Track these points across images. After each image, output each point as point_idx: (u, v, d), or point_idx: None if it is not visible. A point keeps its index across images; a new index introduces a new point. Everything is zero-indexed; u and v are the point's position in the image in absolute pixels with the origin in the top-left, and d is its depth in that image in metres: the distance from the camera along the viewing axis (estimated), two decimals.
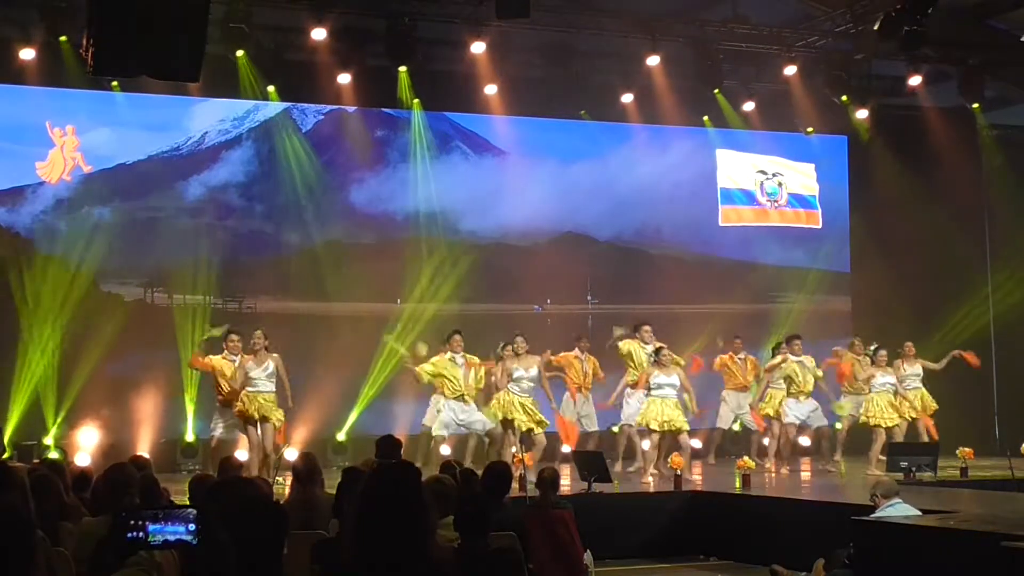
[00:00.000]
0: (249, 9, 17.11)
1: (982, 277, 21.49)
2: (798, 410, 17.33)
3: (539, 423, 15.60)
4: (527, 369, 15.68)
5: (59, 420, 16.90)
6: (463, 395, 16.20)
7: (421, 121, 19.56)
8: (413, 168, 19.64)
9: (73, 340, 17.24)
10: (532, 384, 15.68)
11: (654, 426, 15.77)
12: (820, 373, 17.44)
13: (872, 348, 17.45)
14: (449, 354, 16.32)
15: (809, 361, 17.42)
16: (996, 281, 21.45)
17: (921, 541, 9.45)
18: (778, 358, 17.20)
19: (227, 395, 15.48)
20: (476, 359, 16.56)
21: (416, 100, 19.14)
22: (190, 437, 17.67)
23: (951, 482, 15.30)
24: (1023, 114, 21.98)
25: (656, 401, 15.84)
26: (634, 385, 16.77)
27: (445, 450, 15.84)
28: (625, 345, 17.32)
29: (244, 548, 3.98)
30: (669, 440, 15.92)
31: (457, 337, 16.39)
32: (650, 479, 15.76)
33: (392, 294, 19.19)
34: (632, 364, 17.14)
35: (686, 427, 15.91)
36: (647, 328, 17.38)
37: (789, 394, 17.33)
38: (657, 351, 16.36)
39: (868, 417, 17.03)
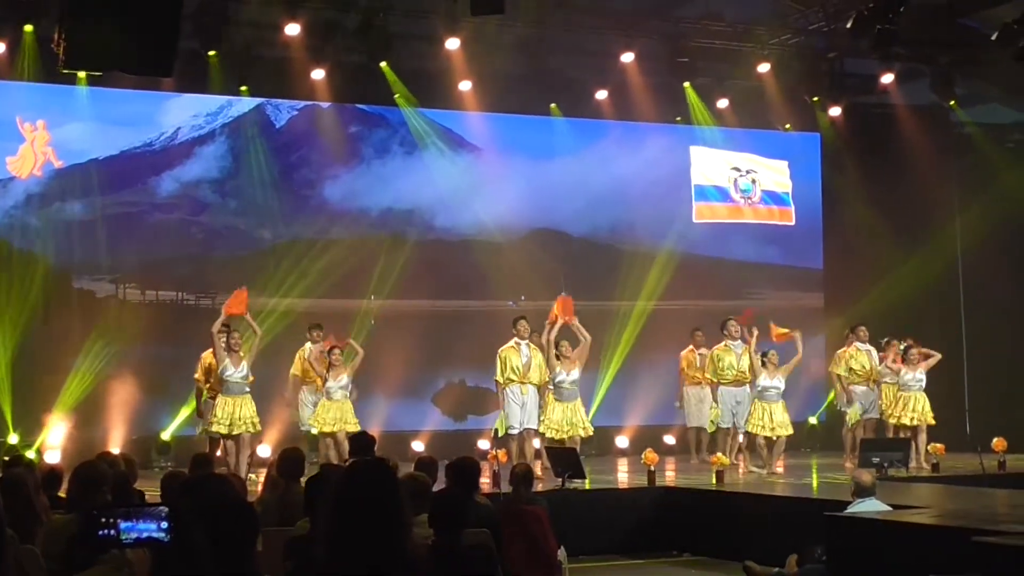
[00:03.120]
0: (223, 4, 17.05)
1: (954, 274, 21.60)
2: (864, 398, 17.40)
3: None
4: (336, 378, 15.86)
5: (27, 417, 16.79)
6: (526, 380, 16.04)
7: (412, 118, 19.55)
8: (387, 164, 19.63)
9: (44, 336, 17.15)
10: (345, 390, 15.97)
11: (766, 432, 16.32)
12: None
13: (904, 346, 17.43)
14: (514, 340, 16.20)
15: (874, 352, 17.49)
16: (967, 278, 21.56)
17: (893, 536, 9.49)
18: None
19: (213, 389, 15.58)
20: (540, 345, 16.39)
21: (399, 96, 19.10)
22: (167, 435, 17.60)
23: (923, 478, 15.38)
24: (994, 112, 22.13)
25: (759, 404, 16.41)
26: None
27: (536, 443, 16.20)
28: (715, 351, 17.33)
29: (217, 545, 3.96)
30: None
31: (523, 323, 16.27)
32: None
33: (366, 290, 19.15)
34: (723, 364, 17.06)
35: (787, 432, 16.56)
36: (734, 323, 17.20)
37: (855, 382, 17.41)
38: (764, 354, 16.61)
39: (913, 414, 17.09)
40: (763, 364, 16.59)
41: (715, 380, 17.19)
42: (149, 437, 17.57)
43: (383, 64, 18.41)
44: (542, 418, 15.98)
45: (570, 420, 15.91)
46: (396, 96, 19.10)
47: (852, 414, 17.39)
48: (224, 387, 15.24)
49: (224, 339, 15.35)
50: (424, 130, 19.77)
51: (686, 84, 19.82)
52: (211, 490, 4.32)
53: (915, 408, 16.94)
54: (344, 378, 15.92)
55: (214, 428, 15.20)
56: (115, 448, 14.95)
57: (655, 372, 19.60)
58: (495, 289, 19.73)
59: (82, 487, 6.80)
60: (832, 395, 18.59)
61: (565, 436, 15.87)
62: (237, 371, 15.24)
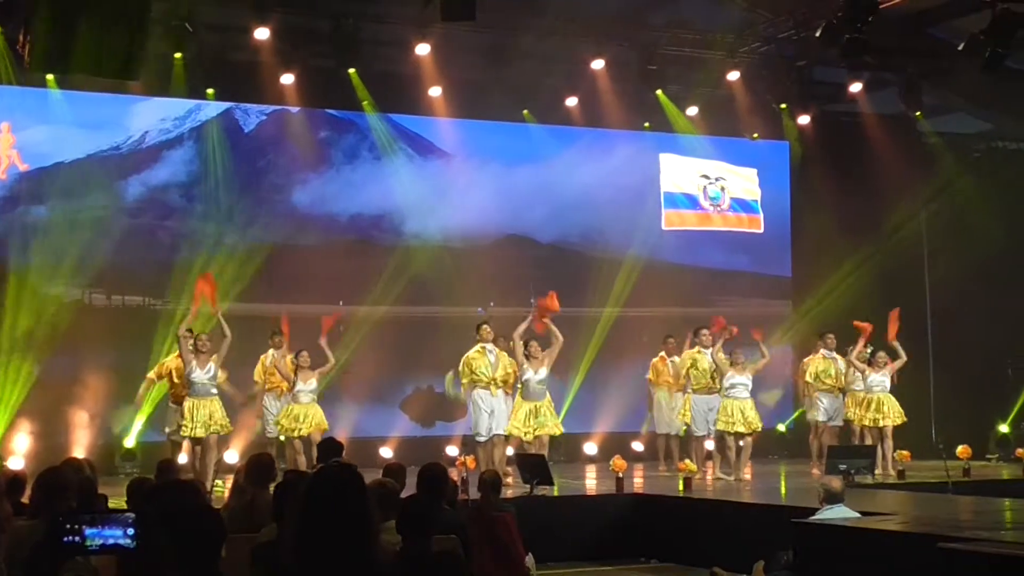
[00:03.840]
0: (191, 8, 16.98)
1: (920, 282, 21.71)
2: (829, 405, 17.50)
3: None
4: (305, 381, 15.90)
5: None
6: (493, 383, 15.98)
7: (371, 123, 19.52)
8: (356, 170, 19.59)
9: (8, 341, 17.01)
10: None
11: (739, 428, 16.43)
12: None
13: (869, 350, 17.50)
14: (479, 345, 16.10)
15: (842, 360, 17.56)
16: (934, 286, 21.68)
17: (860, 543, 9.53)
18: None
19: (177, 394, 15.51)
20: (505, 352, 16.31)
21: (365, 102, 19.07)
22: (131, 443, 17.47)
23: (889, 485, 15.45)
24: (961, 121, 22.27)
25: (727, 402, 16.51)
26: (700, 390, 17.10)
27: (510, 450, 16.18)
28: (688, 356, 17.40)
29: (183, 552, 3.93)
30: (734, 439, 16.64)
31: (486, 328, 16.15)
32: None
33: (335, 296, 19.10)
34: (697, 372, 17.15)
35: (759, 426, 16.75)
36: (706, 332, 17.28)
37: (822, 390, 17.52)
38: (730, 354, 16.76)
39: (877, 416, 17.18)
40: (730, 364, 16.70)
41: (694, 386, 17.18)
42: (114, 443, 17.47)
43: (351, 71, 18.37)
44: (511, 419, 15.97)
45: (537, 418, 15.87)
46: (364, 103, 19.07)
47: (813, 415, 17.56)
48: (191, 389, 15.14)
49: (191, 341, 15.26)
50: (388, 137, 19.70)
51: (659, 91, 19.84)
52: (177, 496, 4.28)
53: (879, 409, 17.06)
54: (313, 382, 15.90)
55: (185, 432, 15.13)
56: (80, 454, 14.86)
57: (624, 379, 19.62)
58: (464, 295, 19.70)
59: (46, 493, 6.73)
60: (802, 410, 18.58)
61: (532, 434, 15.82)
62: (204, 372, 15.13)
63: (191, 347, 15.22)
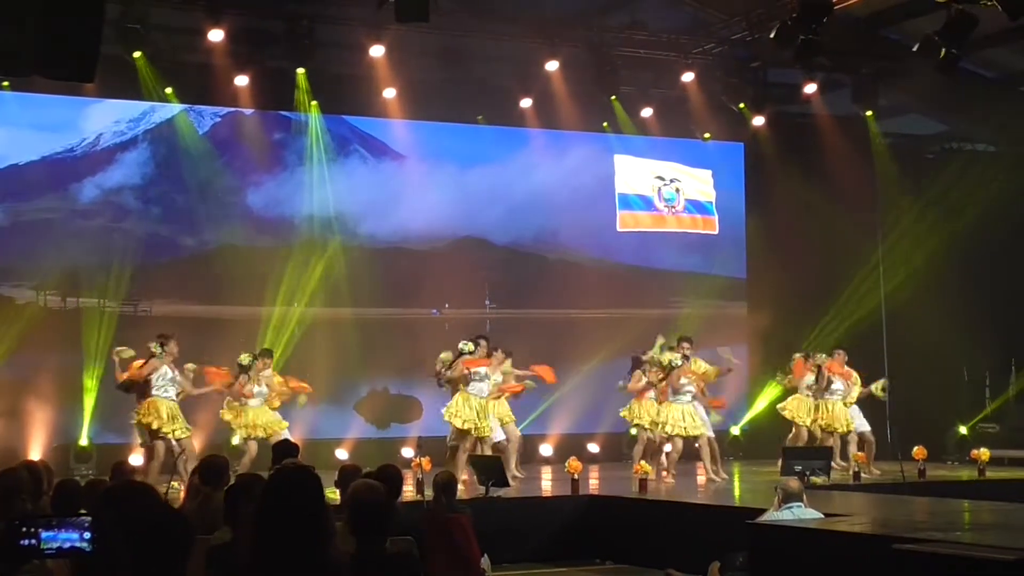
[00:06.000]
0: (145, 9, 16.89)
1: (875, 283, 21.84)
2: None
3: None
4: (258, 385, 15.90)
5: None
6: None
7: (319, 124, 19.46)
8: (311, 171, 19.52)
9: None
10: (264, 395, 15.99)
11: (679, 431, 16.56)
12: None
13: (826, 355, 17.65)
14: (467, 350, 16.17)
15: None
16: (888, 287, 21.81)
17: (814, 544, 9.57)
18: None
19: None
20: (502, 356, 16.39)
21: (314, 103, 19.04)
22: (84, 442, 17.38)
23: (844, 486, 15.53)
24: (914, 122, 22.42)
25: (676, 406, 16.63)
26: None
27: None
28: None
29: (139, 556, 3.91)
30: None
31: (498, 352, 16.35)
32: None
33: (290, 297, 19.05)
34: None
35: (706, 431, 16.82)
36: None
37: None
38: (684, 358, 16.87)
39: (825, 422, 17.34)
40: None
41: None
42: (70, 444, 17.36)
43: (300, 71, 18.34)
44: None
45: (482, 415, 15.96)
46: (313, 104, 19.02)
47: None
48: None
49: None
50: (323, 139, 19.59)
51: (613, 98, 19.86)
52: (132, 499, 4.26)
53: (837, 415, 17.25)
54: (265, 388, 15.89)
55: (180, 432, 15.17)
56: (35, 456, 14.78)
57: (579, 381, 19.65)
58: (419, 297, 19.69)
59: (1, 496, 6.68)
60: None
61: (474, 423, 15.86)
62: (160, 375, 15.23)
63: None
